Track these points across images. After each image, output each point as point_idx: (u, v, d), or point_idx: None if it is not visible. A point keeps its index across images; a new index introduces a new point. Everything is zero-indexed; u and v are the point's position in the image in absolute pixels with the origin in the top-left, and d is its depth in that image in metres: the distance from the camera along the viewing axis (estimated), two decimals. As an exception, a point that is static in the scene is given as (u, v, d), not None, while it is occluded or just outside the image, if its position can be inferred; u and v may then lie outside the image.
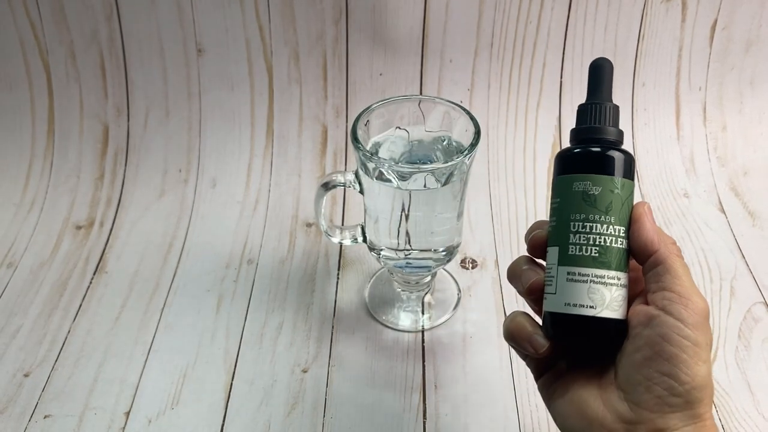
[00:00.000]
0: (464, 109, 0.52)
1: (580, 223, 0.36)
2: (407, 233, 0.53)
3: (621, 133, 0.38)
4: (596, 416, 0.35)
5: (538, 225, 0.40)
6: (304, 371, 0.56)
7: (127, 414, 0.53)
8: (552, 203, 0.38)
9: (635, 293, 0.37)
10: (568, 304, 0.36)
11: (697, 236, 0.68)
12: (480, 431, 0.51)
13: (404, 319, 0.60)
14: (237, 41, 0.73)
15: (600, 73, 0.38)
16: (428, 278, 0.59)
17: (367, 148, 0.51)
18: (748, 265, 0.65)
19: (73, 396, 0.54)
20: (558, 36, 0.74)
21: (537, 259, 0.40)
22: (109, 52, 0.74)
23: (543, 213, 0.71)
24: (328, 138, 0.77)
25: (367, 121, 0.53)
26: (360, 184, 0.53)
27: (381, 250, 0.55)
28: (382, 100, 0.54)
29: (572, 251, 0.36)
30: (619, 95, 0.77)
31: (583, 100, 0.39)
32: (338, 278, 0.64)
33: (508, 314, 0.39)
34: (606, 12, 0.73)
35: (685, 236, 0.68)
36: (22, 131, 0.76)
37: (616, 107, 0.38)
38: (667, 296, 0.34)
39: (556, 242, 0.37)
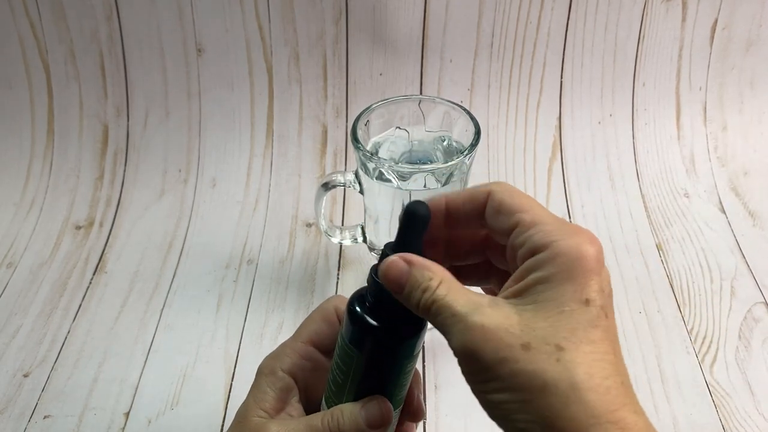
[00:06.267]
0: (464, 109, 0.52)
1: None
2: (407, 233, 0.53)
3: None
4: None
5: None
6: (304, 371, 0.56)
7: (127, 414, 0.53)
8: None
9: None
10: None
11: (698, 236, 0.68)
12: (480, 431, 0.51)
13: (404, 319, 0.60)
14: (237, 41, 0.73)
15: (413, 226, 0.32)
16: (428, 278, 0.59)
17: (367, 148, 0.51)
18: (748, 265, 0.65)
19: (73, 396, 0.54)
20: (558, 36, 0.74)
21: None
22: (109, 52, 0.73)
23: (543, 213, 0.71)
24: (328, 138, 0.76)
25: (367, 121, 0.53)
26: (360, 184, 0.53)
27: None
28: (382, 100, 0.54)
29: None
30: (619, 95, 0.77)
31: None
32: (338, 278, 0.64)
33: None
34: (606, 12, 0.73)
35: (686, 236, 0.68)
36: (22, 131, 0.76)
37: None
38: None
39: None
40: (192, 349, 0.58)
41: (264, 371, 0.38)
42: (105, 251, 0.68)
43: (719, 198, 0.72)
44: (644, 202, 0.72)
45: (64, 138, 0.76)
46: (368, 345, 0.34)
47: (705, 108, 0.78)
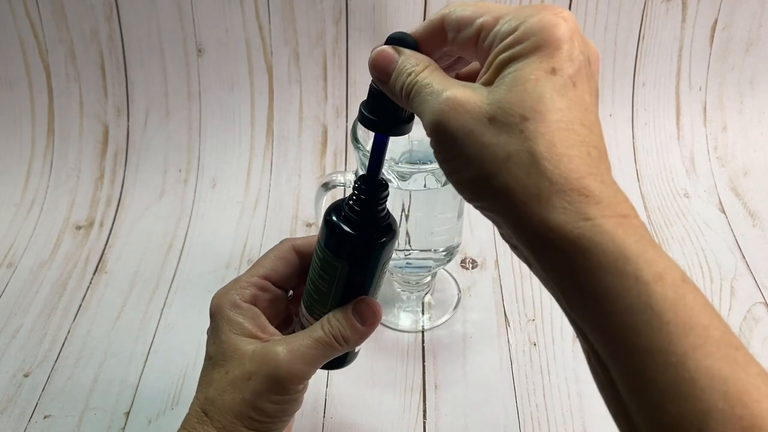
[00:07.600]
0: (464, 109, 0.52)
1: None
2: (407, 233, 0.53)
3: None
4: None
5: None
6: (304, 371, 0.56)
7: (127, 414, 0.53)
8: None
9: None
10: None
11: (698, 236, 0.68)
12: (480, 431, 0.51)
13: (404, 320, 0.60)
14: (237, 41, 0.73)
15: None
16: (428, 278, 0.59)
17: (367, 148, 0.51)
18: (748, 265, 0.65)
19: (73, 396, 0.54)
20: (558, 36, 0.74)
21: None
22: (109, 52, 0.74)
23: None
24: (328, 138, 0.76)
25: (367, 121, 0.53)
26: (360, 184, 0.53)
27: (381, 250, 0.55)
28: (382, 100, 0.53)
29: None
30: (619, 95, 0.77)
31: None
32: (338, 278, 0.64)
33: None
34: (606, 12, 0.73)
35: (686, 236, 0.68)
36: (22, 131, 0.76)
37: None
38: None
39: None
40: (192, 349, 0.58)
41: (225, 306, 0.39)
42: (105, 251, 0.68)
43: (719, 198, 0.72)
44: (644, 202, 0.72)
45: (64, 138, 0.76)
46: (351, 253, 0.36)
47: (705, 108, 0.78)
